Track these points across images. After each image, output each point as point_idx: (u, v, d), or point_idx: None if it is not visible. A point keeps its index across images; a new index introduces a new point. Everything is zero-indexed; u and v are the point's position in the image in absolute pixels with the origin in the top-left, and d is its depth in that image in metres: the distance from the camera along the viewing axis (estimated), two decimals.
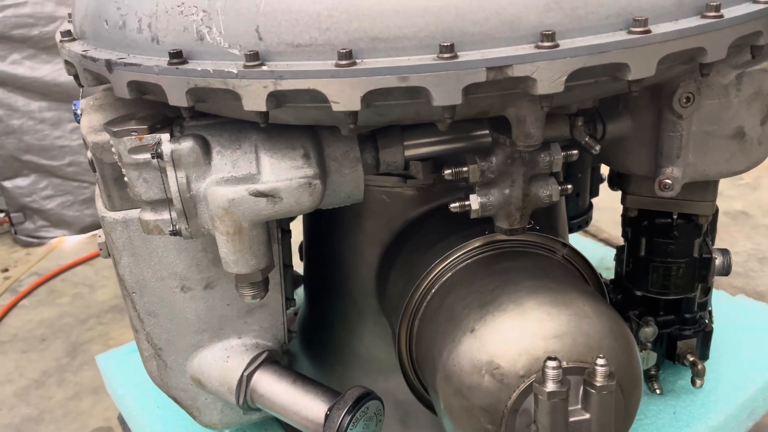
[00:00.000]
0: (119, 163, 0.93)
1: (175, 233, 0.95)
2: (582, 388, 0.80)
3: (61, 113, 3.02)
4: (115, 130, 0.90)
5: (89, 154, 1.07)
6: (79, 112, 1.22)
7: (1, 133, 2.94)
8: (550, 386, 0.77)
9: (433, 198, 1.17)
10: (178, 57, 0.79)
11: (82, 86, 1.03)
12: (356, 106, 0.73)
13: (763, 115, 0.97)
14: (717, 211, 1.27)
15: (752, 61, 0.92)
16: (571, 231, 1.64)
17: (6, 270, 2.99)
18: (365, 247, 1.25)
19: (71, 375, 2.29)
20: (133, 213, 1.08)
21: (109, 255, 1.31)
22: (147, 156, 0.90)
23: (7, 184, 3.05)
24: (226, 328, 1.20)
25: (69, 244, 3.18)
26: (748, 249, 2.67)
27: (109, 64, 0.85)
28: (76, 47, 0.96)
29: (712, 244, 1.28)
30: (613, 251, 1.37)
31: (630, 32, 0.73)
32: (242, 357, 1.19)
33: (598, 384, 0.78)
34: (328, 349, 1.40)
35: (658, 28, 0.74)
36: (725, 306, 1.65)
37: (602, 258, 1.89)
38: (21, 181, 3.05)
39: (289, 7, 0.74)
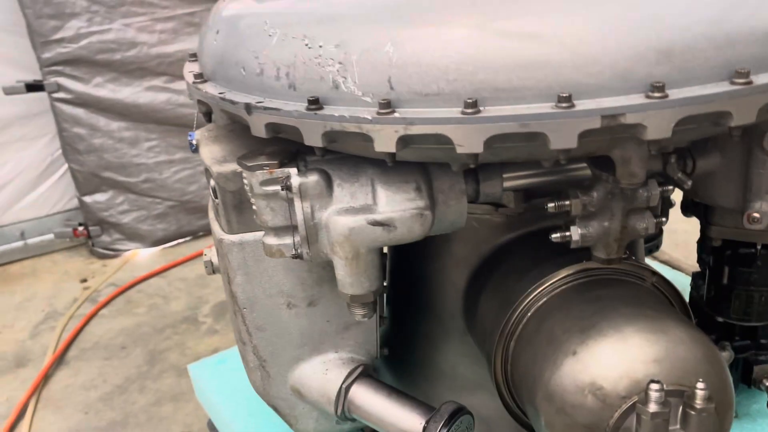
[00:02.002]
0: (249, 194, 1.04)
1: (297, 257, 1.05)
2: (681, 409, 0.86)
3: (138, 132, 3.20)
4: (249, 164, 1.00)
5: (212, 182, 1.18)
6: (194, 142, 1.34)
7: (83, 151, 3.13)
8: (653, 407, 0.83)
9: (522, 225, 1.25)
10: (315, 103, 0.89)
11: (211, 122, 1.14)
12: (479, 149, 0.82)
13: None
14: None
15: None
16: None
17: (85, 280, 3.17)
18: (453, 269, 1.33)
19: (151, 382, 2.43)
20: (249, 236, 1.18)
21: (214, 272, 1.43)
22: (277, 188, 1.00)
23: (87, 199, 3.23)
24: (325, 342, 1.29)
25: (142, 257, 3.35)
26: None
27: (249, 107, 0.96)
28: (211, 89, 1.07)
29: None
30: (675, 273, 1.42)
31: (732, 83, 0.80)
32: (340, 370, 1.28)
33: (698, 406, 0.84)
34: (413, 365, 1.48)
35: (759, 79, 0.81)
36: None
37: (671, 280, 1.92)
38: (100, 197, 3.24)
39: (419, 61, 0.83)
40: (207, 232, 3.42)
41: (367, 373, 1.29)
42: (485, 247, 1.29)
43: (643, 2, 0.81)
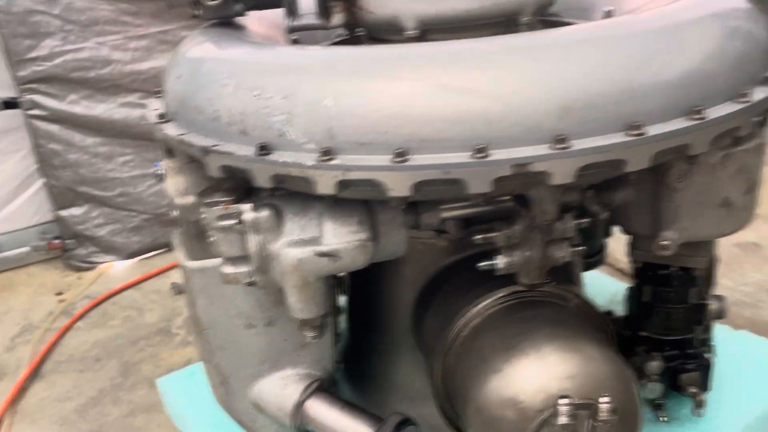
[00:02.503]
0: (207, 227, 1.13)
1: (251, 284, 1.14)
2: (589, 421, 0.98)
3: (113, 148, 3.26)
4: (207, 201, 1.10)
5: (175, 213, 1.28)
6: (160, 172, 1.43)
7: (59, 166, 3.19)
8: (563, 420, 0.95)
9: (463, 249, 1.36)
10: (264, 149, 0.99)
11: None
12: (407, 192, 0.92)
13: (747, 186, 1.14)
14: (714, 259, 1.44)
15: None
16: (585, 269, 1.81)
17: (60, 293, 3.23)
18: (403, 289, 1.44)
19: (125, 394, 2.50)
20: (209, 263, 1.28)
21: (180, 293, 1.52)
22: (232, 222, 1.10)
23: (63, 213, 3.29)
24: (283, 359, 1.39)
25: (117, 269, 3.41)
26: (758, 280, 2.80)
27: (205, 150, 1.05)
28: (172, 130, 1.16)
29: (711, 289, 1.44)
30: (625, 286, 1.52)
31: (627, 134, 0.91)
32: (297, 385, 1.38)
33: (602, 418, 0.95)
34: (368, 377, 1.58)
35: (652, 129, 0.92)
36: (729, 340, 1.80)
37: (615, 293, 2.04)
38: (75, 211, 3.29)
39: (355, 114, 0.94)
40: None
41: (322, 387, 1.39)
42: (431, 268, 1.40)
43: (548, 63, 0.93)
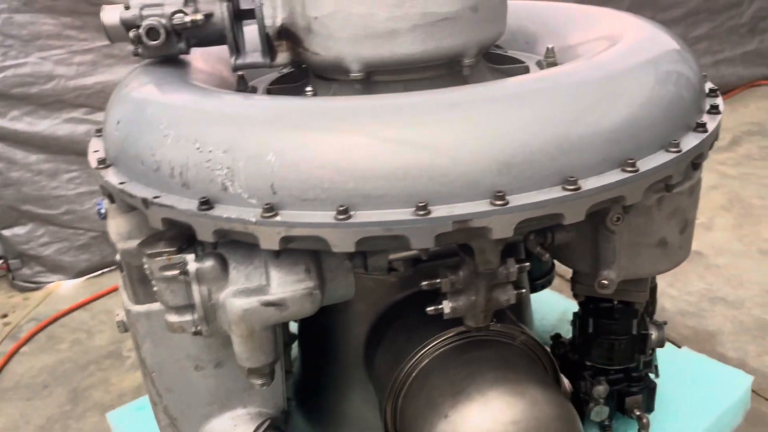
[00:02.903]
0: (150, 277, 1.11)
1: (197, 333, 1.13)
2: None
3: (58, 164, 3.17)
4: (149, 252, 1.08)
5: (117, 257, 1.25)
6: (103, 211, 1.40)
7: (0, 185, 3.08)
8: None
9: (413, 285, 1.37)
10: (206, 204, 0.98)
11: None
12: (351, 248, 0.93)
13: (682, 226, 1.19)
14: (656, 286, 1.49)
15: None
16: (534, 291, 1.85)
17: (5, 316, 3.12)
18: (354, 324, 1.45)
19: (74, 422, 2.44)
20: (155, 306, 1.25)
21: (126, 331, 1.49)
22: (175, 272, 1.08)
23: (6, 232, 3.18)
24: (233, 399, 1.38)
25: (65, 288, 3.32)
26: (701, 289, 2.90)
27: (146, 202, 1.04)
28: (112, 177, 1.14)
29: (653, 316, 1.49)
30: (574, 304, 1.56)
31: (564, 189, 0.94)
32: (248, 425, 1.37)
33: None
34: (321, 410, 1.58)
35: (587, 183, 0.95)
36: (671, 358, 1.86)
37: (564, 311, 2.10)
38: (19, 230, 3.19)
39: (298, 170, 0.93)
40: None
41: (273, 425, 1.38)
42: (381, 304, 1.41)
43: (487, 121, 0.94)
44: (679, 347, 2.00)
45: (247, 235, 0.96)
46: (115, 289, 3.25)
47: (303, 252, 1.11)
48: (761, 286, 2.90)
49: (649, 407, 1.60)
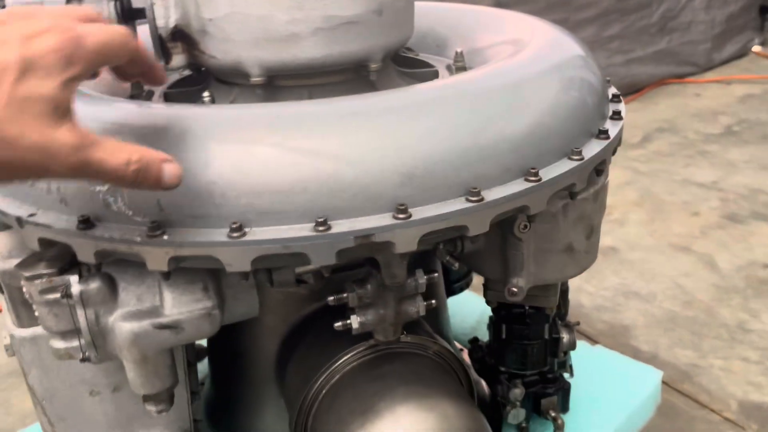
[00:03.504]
0: (30, 300, 1.02)
1: (85, 359, 1.04)
2: None
3: None
4: (27, 274, 0.99)
5: None
6: None
7: None
8: None
9: (325, 296, 1.32)
10: (86, 222, 0.89)
11: None
12: (247, 267, 0.87)
13: (588, 232, 1.19)
14: (567, 290, 1.50)
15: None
16: (453, 293, 1.84)
17: None
18: (264, 338, 1.38)
19: None
20: (41, 330, 1.15)
21: (14, 354, 1.38)
22: (57, 295, 0.99)
23: None
24: (134, 424, 1.29)
25: None
26: (615, 284, 3.00)
27: (20, 221, 0.94)
28: None
29: (565, 318, 1.50)
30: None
31: (468, 200, 0.91)
32: None
33: None
34: (234, 428, 1.51)
35: (490, 194, 0.93)
36: (586, 356, 1.90)
37: (482, 313, 2.10)
38: None
39: (186, 184, 0.86)
40: None
41: None
42: (292, 317, 1.35)
43: (389, 131, 0.91)
44: (595, 343, 2.04)
45: (133, 255, 0.89)
46: None
47: (200, 270, 1.04)
48: (672, 279, 3.03)
49: (564, 407, 1.61)
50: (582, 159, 1.02)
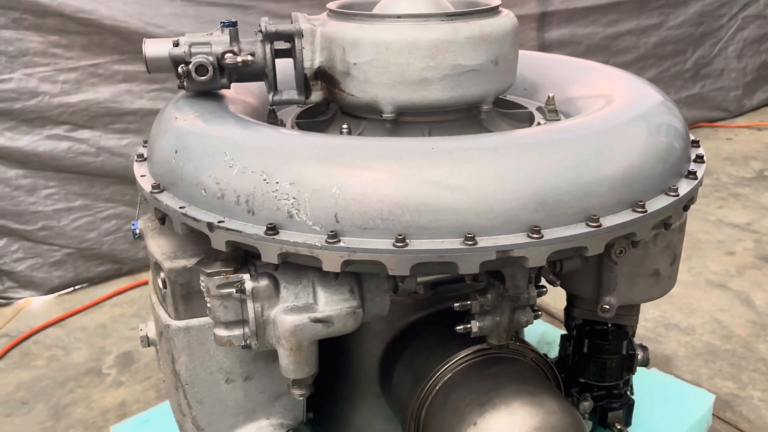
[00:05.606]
0: (205, 294, 1.20)
1: (246, 347, 1.23)
2: None
3: (36, 180, 3.16)
4: (208, 272, 1.17)
5: (162, 275, 1.33)
6: (138, 231, 1.48)
7: None
8: None
9: (430, 305, 1.50)
10: (272, 229, 1.08)
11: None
12: (407, 273, 1.05)
13: (672, 259, 1.36)
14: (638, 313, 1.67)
15: None
16: None
17: None
18: (371, 341, 1.56)
19: None
20: (194, 322, 1.34)
21: (150, 345, 1.56)
22: (231, 290, 1.18)
23: None
24: (258, 411, 1.47)
25: (35, 305, 3.28)
26: (656, 316, 3.14)
27: (211, 226, 1.13)
28: (170, 201, 1.22)
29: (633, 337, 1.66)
30: (551, 327, 1.72)
31: (588, 225, 1.09)
32: None
33: None
34: (333, 424, 1.68)
35: (606, 221, 1.11)
36: (643, 377, 2.05)
37: (543, 333, 2.27)
38: None
39: (360, 202, 1.06)
40: (105, 278, 3.43)
41: None
42: (399, 323, 1.53)
43: (525, 165, 1.09)
44: (648, 368, 2.18)
45: (311, 258, 1.07)
46: (89, 306, 3.25)
47: (348, 274, 1.22)
48: (710, 314, 3.16)
49: (628, 421, 1.76)
50: (678, 195, 1.19)
